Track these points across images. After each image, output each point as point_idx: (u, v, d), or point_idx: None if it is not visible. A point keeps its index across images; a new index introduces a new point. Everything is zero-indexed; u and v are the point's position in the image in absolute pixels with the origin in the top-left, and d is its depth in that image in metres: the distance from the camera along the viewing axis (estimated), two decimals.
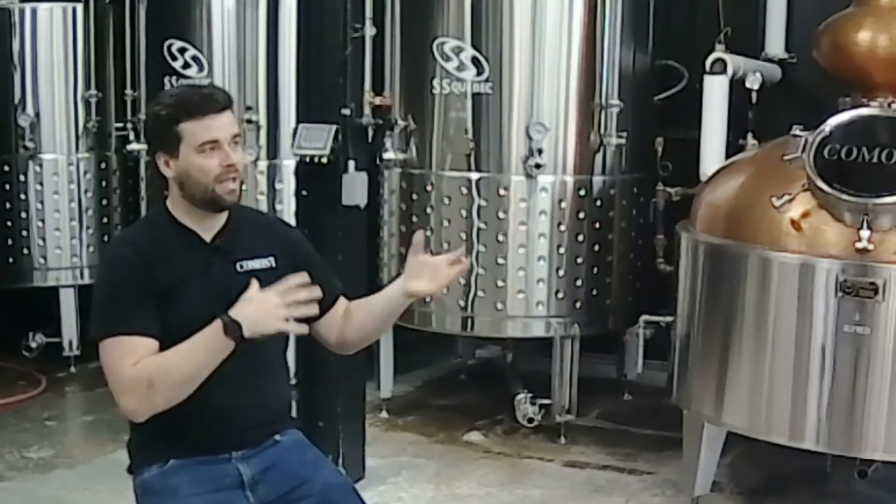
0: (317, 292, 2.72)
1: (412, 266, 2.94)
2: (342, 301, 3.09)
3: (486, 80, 5.31)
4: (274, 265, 2.94)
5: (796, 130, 4.19)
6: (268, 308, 2.63)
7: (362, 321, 3.04)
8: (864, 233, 3.86)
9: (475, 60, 5.31)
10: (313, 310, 2.74)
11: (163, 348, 2.70)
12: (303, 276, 2.70)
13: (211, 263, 2.87)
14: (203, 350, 2.66)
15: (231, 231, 2.92)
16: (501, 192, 5.31)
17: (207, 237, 2.89)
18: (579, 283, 5.42)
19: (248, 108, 5.80)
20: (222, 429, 2.83)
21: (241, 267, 2.89)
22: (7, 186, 6.45)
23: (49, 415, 5.84)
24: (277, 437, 2.95)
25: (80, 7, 6.51)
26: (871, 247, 3.85)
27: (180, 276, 2.81)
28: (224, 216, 2.91)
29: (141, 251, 2.81)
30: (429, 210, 5.46)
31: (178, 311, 2.76)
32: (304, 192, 4.76)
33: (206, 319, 2.66)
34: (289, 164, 5.66)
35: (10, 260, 6.49)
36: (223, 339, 2.62)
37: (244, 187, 3.01)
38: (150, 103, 2.92)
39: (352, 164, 4.57)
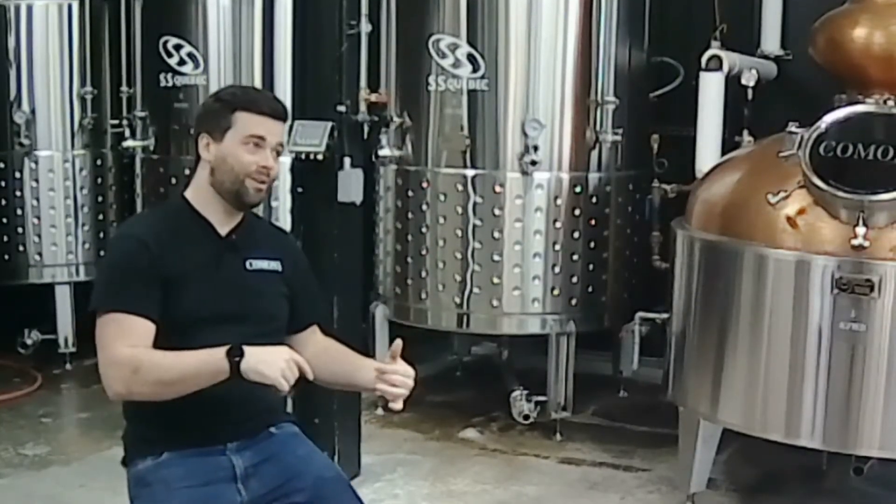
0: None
1: (388, 371, 2.94)
2: (314, 331, 3.09)
3: (482, 77, 5.30)
4: (280, 269, 3.00)
5: (792, 127, 4.19)
6: (276, 357, 2.63)
7: (324, 370, 2.96)
8: (860, 229, 3.86)
9: (471, 57, 5.31)
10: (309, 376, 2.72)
11: (162, 336, 2.73)
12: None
13: (223, 257, 2.91)
14: (197, 361, 2.66)
15: (245, 229, 2.97)
16: (497, 188, 5.31)
17: (223, 231, 2.93)
18: (575, 279, 5.42)
19: None
20: (217, 421, 2.83)
21: (251, 265, 2.94)
22: (2, 183, 6.42)
23: (44, 412, 5.83)
24: (273, 429, 2.96)
25: (75, 4, 6.49)
26: (866, 243, 3.85)
27: (190, 266, 2.85)
28: (240, 215, 2.96)
29: (156, 233, 2.85)
30: (424, 207, 5.45)
31: (183, 301, 2.79)
32: (300, 189, 4.76)
33: (210, 312, 2.66)
34: (284, 161, 5.63)
35: (6, 257, 6.47)
36: (221, 358, 2.62)
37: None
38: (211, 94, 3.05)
39: (347, 160, 4.56)
